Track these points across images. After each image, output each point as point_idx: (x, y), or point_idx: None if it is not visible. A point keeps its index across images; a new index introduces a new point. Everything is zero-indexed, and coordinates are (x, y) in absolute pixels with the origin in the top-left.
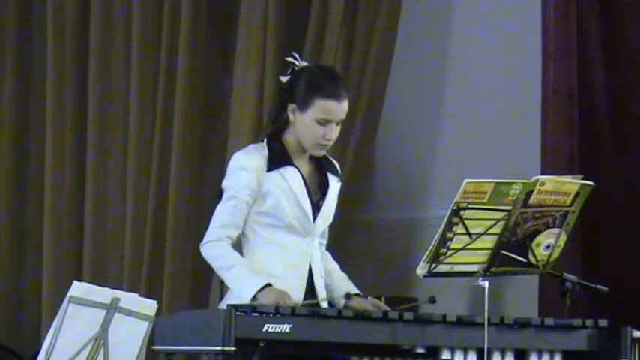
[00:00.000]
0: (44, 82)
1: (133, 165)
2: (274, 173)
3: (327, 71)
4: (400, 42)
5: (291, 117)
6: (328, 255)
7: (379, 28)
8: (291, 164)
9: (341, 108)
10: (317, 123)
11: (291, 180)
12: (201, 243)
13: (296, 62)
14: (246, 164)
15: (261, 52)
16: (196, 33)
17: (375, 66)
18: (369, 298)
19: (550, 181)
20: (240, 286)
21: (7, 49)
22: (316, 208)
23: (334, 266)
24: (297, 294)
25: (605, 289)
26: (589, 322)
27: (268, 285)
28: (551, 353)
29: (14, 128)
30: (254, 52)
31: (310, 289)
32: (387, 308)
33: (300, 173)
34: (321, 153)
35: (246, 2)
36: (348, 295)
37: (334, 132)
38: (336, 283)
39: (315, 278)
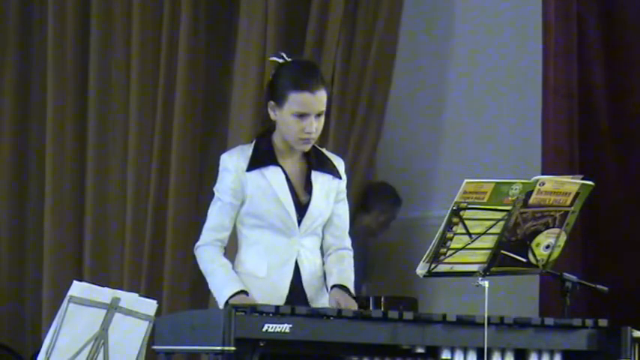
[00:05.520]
0: (45, 82)
1: (133, 165)
2: (255, 173)
3: (300, 64)
4: (401, 43)
5: (271, 115)
6: (344, 257)
7: (379, 28)
8: (275, 163)
9: (316, 99)
10: (294, 117)
11: (273, 179)
12: (195, 246)
13: (279, 60)
14: (227, 165)
15: (261, 52)
16: (196, 33)
17: (375, 66)
18: (340, 294)
19: (550, 181)
20: (216, 294)
21: (7, 49)
22: (303, 208)
23: (335, 265)
24: (280, 294)
25: (605, 289)
26: (589, 322)
27: (242, 292)
28: (551, 353)
29: (14, 128)
30: (254, 52)
31: (298, 290)
32: (345, 306)
33: (285, 172)
34: (307, 147)
35: (246, 2)
36: (331, 287)
37: (314, 125)
38: (328, 279)
39: (303, 279)
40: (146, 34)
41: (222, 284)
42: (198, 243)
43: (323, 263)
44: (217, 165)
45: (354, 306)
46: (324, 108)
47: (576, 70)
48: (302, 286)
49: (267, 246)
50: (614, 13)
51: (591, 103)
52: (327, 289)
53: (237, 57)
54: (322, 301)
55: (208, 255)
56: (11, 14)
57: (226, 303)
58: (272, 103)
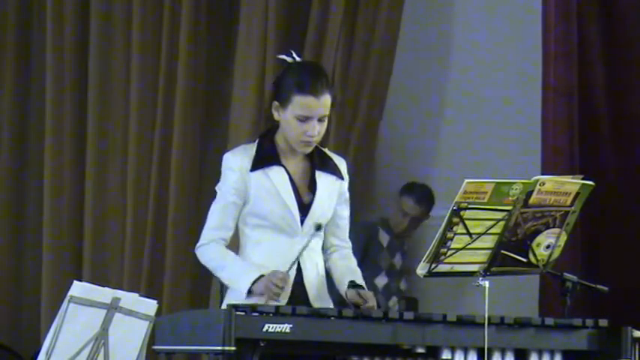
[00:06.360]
0: (44, 82)
1: (133, 165)
2: (258, 172)
3: (307, 67)
4: (400, 43)
5: (275, 115)
6: (346, 257)
7: (379, 28)
8: (278, 163)
9: (319, 104)
10: (297, 120)
11: (276, 179)
12: (196, 246)
13: (288, 59)
14: (231, 164)
15: (261, 52)
16: (196, 33)
17: (375, 66)
18: (361, 290)
19: (550, 181)
20: (236, 283)
21: (7, 49)
22: (306, 208)
23: (345, 263)
24: (284, 294)
25: (605, 289)
26: (589, 322)
27: (262, 276)
28: (552, 353)
29: (13, 129)
30: (254, 52)
31: (300, 290)
32: (368, 303)
33: (288, 172)
34: (307, 150)
35: (247, 2)
36: (348, 286)
37: (316, 128)
38: (340, 278)
39: (306, 279)
40: (146, 34)
41: (240, 273)
42: (199, 242)
43: (326, 260)
44: (217, 165)
45: (374, 305)
46: (327, 112)
47: (576, 70)
48: (304, 287)
49: (270, 246)
50: (614, 13)
51: (591, 103)
52: (338, 286)
53: (237, 57)
54: (324, 301)
55: (214, 251)
56: (10, 14)
57: (249, 291)
58: (276, 103)
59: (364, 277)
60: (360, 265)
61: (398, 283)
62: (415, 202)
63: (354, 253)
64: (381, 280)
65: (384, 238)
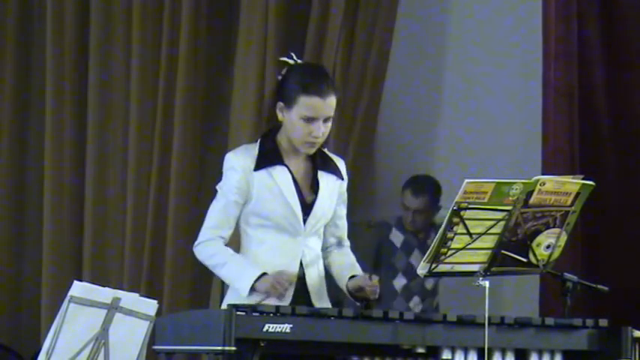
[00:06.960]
0: (44, 81)
1: (134, 165)
2: (262, 172)
3: (311, 68)
4: (398, 44)
5: (279, 115)
6: (345, 253)
7: (379, 28)
8: (281, 163)
9: (325, 105)
10: (302, 120)
11: (279, 179)
12: (195, 244)
13: (290, 61)
14: (234, 164)
15: (261, 52)
16: (196, 33)
17: (375, 66)
18: (369, 276)
19: (551, 181)
20: (237, 281)
21: (7, 49)
22: (308, 207)
23: (343, 259)
24: (287, 294)
25: (606, 289)
26: (589, 322)
27: (264, 274)
28: (552, 353)
29: (13, 127)
30: (254, 52)
31: (302, 290)
32: (373, 289)
33: (291, 172)
34: (311, 151)
35: (247, 2)
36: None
37: (321, 129)
38: (339, 272)
39: (308, 279)
40: (146, 34)
41: (241, 271)
42: (198, 240)
43: (324, 259)
44: (218, 165)
45: (377, 288)
46: (332, 113)
47: (576, 70)
48: (306, 287)
49: (273, 246)
50: (614, 13)
51: (591, 103)
52: (337, 281)
53: (237, 57)
54: (325, 301)
55: (213, 249)
56: (10, 14)
57: (252, 288)
58: (281, 104)
59: (380, 280)
60: (374, 268)
61: (422, 282)
62: (413, 194)
63: (366, 256)
64: (400, 282)
65: (398, 237)
